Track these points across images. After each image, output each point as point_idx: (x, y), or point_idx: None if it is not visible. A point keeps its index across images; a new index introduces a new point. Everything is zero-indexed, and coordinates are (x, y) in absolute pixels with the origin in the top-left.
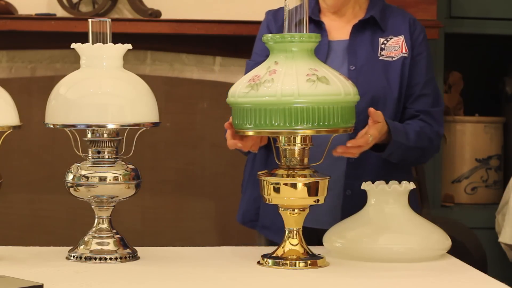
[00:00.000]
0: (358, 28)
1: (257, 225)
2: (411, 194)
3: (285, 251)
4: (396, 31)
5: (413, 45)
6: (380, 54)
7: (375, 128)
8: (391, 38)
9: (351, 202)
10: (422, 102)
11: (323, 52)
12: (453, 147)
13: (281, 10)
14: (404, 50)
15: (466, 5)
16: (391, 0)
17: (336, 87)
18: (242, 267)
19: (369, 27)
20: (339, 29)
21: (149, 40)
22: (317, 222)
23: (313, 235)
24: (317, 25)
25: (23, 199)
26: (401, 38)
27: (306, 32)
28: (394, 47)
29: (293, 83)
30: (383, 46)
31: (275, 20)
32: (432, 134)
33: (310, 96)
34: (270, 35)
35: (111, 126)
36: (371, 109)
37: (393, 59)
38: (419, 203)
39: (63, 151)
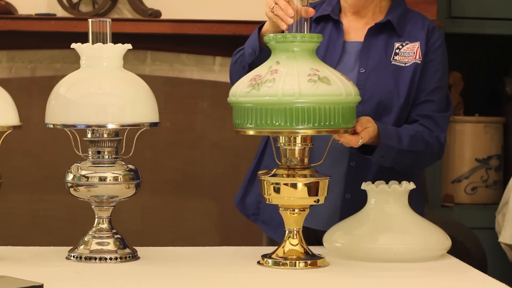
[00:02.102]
0: (374, 31)
1: (258, 219)
2: (415, 194)
3: (285, 251)
4: (413, 37)
5: (427, 51)
6: (393, 59)
7: (366, 132)
8: (406, 44)
9: (350, 206)
10: (425, 108)
11: (337, 52)
12: (453, 147)
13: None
14: (418, 57)
15: (466, 5)
16: None
17: (337, 88)
18: (242, 267)
19: (385, 31)
20: (356, 31)
21: (149, 40)
22: (316, 223)
23: (312, 235)
24: (335, 24)
25: (23, 199)
26: (416, 45)
27: (307, 32)
28: (409, 53)
29: (294, 83)
30: (397, 51)
31: None
32: (430, 138)
33: (311, 96)
34: (272, 34)
35: (111, 126)
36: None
37: (406, 64)
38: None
39: (63, 151)
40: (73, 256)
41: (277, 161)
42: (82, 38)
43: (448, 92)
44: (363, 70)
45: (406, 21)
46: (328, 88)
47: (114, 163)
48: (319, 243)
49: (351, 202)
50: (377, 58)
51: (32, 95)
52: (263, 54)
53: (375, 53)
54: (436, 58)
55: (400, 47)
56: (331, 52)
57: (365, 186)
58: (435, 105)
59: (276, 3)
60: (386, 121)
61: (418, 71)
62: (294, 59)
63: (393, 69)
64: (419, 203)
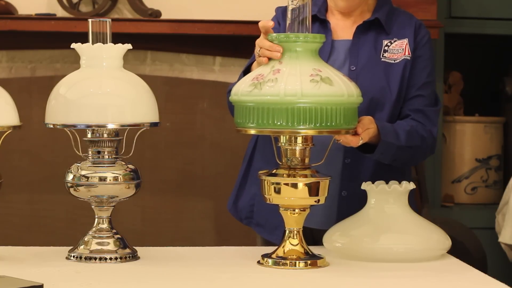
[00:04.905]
0: (362, 29)
1: (252, 222)
2: (410, 194)
3: (285, 251)
4: (401, 34)
5: (415, 47)
6: (382, 56)
7: (366, 133)
8: (395, 41)
9: (347, 203)
10: (415, 102)
11: (326, 51)
12: (453, 147)
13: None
14: (407, 53)
15: (466, 5)
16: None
17: (339, 88)
18: (242, 267)
19: (373, 29)
20: (344, 29)
21: (149, 40)
22: (312, 222)
23: (308, 234)
24: (322, 24)
25: (23, 199)
26: (405, 41)
27: (309, 33)
28: (398, 49)
29: (297, 83)
30: (386, 48)
31: (283, 16)
32: (425, 133)
33: (313, 97)
34: (274, 34)
35: (111, 126)
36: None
37: (396, 61)
38: (418, 203)
39: (63, 151)
40: (73, 256)
41: (277, 161)
42: (82, 38)
43: (435, 88)
44: (354, 68)
45: (393, 18)
46: (330, 88)
47: (114, 163)
48: (315, 242)
49: (347, 200)
50: (367, 56)
51: (32, 95)
52: None
53: (365, 51)
54: (424, 54)
55: (389, 44)
56: (320, 52)
57: (365, 186)
58: (425, 100)
59: (261, 47)
60: (379, 117)
61: (408, 67)
62: (297, 59)
63: (383, 66)
64: (411, 201)
